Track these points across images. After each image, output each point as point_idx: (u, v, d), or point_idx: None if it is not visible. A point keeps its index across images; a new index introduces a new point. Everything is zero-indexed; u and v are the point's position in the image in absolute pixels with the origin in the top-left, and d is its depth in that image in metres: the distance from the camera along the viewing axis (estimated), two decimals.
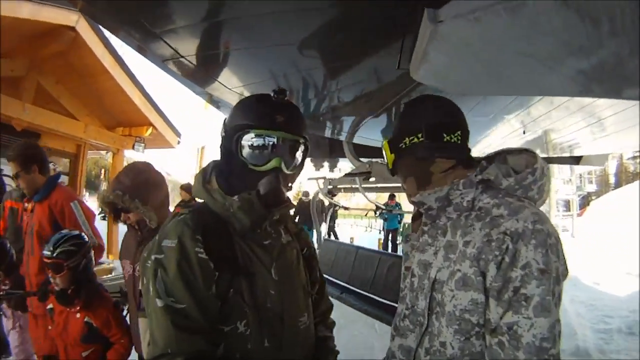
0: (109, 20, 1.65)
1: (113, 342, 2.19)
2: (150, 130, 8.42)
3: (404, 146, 1.28)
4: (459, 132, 1.24)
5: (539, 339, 0.98)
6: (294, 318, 1.18)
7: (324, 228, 14.75)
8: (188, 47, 1.76)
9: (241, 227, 1.12)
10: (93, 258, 2.37)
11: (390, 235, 12.71)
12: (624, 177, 28.45)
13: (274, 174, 1.14)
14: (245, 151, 1.14)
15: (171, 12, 1.46)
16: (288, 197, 1.26)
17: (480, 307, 1.08)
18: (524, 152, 1.23)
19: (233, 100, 2.60)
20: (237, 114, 1.17)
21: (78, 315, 2.17)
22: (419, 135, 1.25)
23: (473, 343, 1.09)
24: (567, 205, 18.04)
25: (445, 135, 1.23)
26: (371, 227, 22.48)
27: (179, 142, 9.37)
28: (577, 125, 3.13)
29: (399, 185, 4.84)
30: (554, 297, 1.00)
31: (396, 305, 4.15)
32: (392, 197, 11.93)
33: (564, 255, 1.07)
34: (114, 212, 1.95)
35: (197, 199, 1.22)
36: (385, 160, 1.37)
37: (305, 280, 1.31)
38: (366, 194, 5.18)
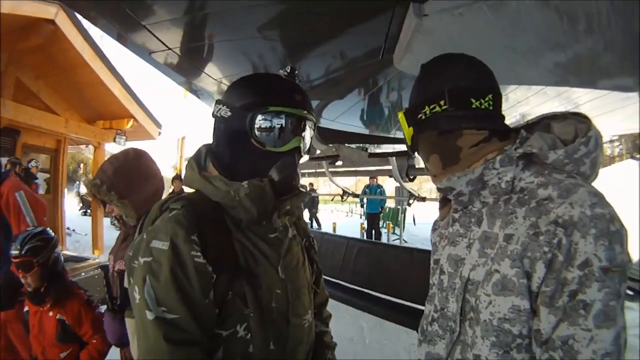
0: (91, 9, 1.59)
1: (85, 341, 2.10)
2: (131, 122, 8.25)
3: (423, 117, 1.04)
4: (490, 96, 0.99)
5: (600, 355, 0.80)
6: (299, 317, 1.08)
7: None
8: (174, 39, 1.75)
9: (248, 219, 0.98)
10: (61, 253, 2.27)
11: (372, 220, 11.46)
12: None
13: (291, 155, 1.03)
14: (260, 131, 0.99)
15: (157, 3, 1.46)
16: (300, 184, 1.12)
17: (524, 316, 0.89)
18: (571, 117, 1.00)
19: (214, 89, 2.61)
20: (246, 92, 1.01)
21: (50, 313, 2.09)
22: (442, 103, 1.00)
23: (514, 357, 0.91)
24: None
25: (473, 100, 0.98)
26: (352, 212, 22.65)
27: (159, 134, 9.18)
28: (555, 111, 3.21)
29: (369, 169, 4.72)
30: (619, 300, 0.81)
31: (365, 290, 3.91)
32: (373, 177, 10.96)
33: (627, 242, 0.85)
34: (101, 202, 1.79)
35: (188, 189, 1.06)
36: (403, 136, 1.13)
37: (310, 277, 1.21)
38: (334, 178, 4.99)
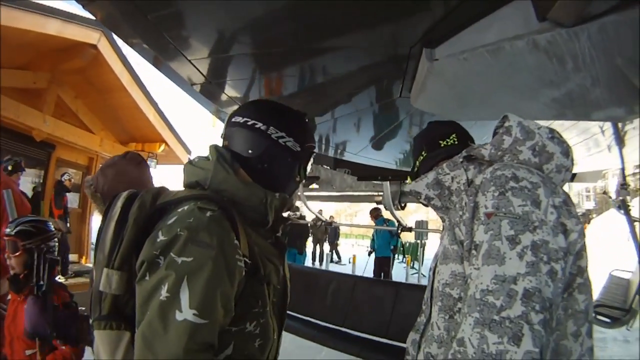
0: (134, 37, 1.76)
1: (54, 345, 1.96)
2: (162, 146, 8.60)
3: (416, 169, 1.36)
4: (453, 135, 1.30)
5: (480, 291, 0.83)
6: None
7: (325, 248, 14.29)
8: (212, 72, 1.98)
9: (265, 223, 1.07)
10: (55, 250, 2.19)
11: (381, 266, 8.94)
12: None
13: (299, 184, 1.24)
14: (305, 168, 1.20)
15: (201, 40, 1.69)
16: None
17: (460, 279, 0.98)
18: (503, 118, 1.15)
19: None
20: (302, 131, 1.18)
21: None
22: (423, 153, 1.33)
23: (457, 322, 0.96)
24: None
25: (441, 141, 1.29)
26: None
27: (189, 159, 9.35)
28: (571, 142, 3.26)
29: (350, 194, 4.35)
30: (514, 244, 0.83)
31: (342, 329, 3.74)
32: (375, 210, 8.73)
33: (562, 209, 0.90)
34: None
35: (211, 187, 1.04)
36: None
37: None
38: (308, 202, 4.50)
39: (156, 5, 1.39)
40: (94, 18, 3.38)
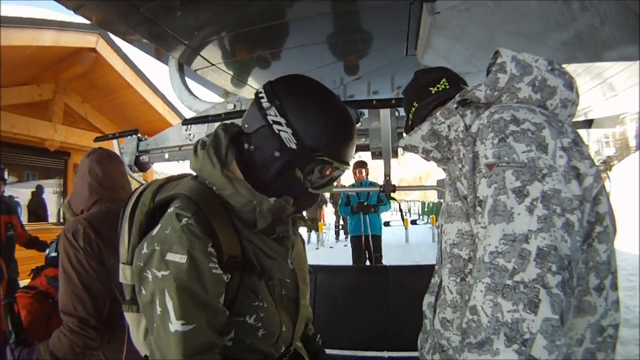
0: (131, 32, 1.73)
1: None
2: None
3: (410, 122, 1.27)
4: (443, 80, 1.21)
5: (488, 254, 0.75)
6: (304, 298, 1.17)
7: None
8: (216, 55, 1.96)
9: (258, 225, 0.96)
10: None
11: (361, 247, 5.76)
12: None
13: (318, 194, 1.06)
14: (313, 176, 0.99)
15: (199, 24, 1.66)
16: None
17: (467, 238, 0.90)
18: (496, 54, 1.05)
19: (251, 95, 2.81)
20: (319, 136, 0.94)
21: None
22: (414, 103, 1.23)
23: (470, 284, 0.90)
24: None
25: (431, 88, 1.20)
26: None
27: None
28: (585, 87, 3.20)
29: None
30: (521, 197, 0.74)
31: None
32: (361, 164, 5.82)
33: (572, 150, 0.81)
34: None
35: (200, 179, 1.00)
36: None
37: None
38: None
39: None
40: (88, 22, 3.44)
